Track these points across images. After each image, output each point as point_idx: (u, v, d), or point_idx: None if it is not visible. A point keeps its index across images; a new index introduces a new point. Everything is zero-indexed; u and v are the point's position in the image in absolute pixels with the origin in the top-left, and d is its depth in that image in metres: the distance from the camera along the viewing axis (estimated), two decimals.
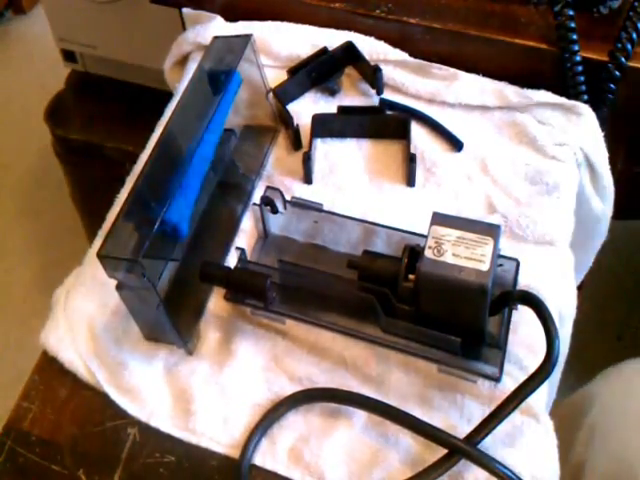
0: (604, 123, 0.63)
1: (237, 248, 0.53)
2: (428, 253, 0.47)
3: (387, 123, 0.63)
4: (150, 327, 0.52)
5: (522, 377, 0.48)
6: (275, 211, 0.55)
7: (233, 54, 0.55)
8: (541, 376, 0.47)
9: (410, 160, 0.59)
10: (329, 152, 0.63)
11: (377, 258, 0.51)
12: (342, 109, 0.63)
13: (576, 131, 0.61)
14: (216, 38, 0.58)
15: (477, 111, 0.64)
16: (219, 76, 0.55)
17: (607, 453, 0.60)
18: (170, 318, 0.49)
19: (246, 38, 0.56)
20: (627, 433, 0.60)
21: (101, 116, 1.02)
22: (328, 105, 0.65)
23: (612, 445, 0.60)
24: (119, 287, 0.48)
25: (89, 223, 1.18)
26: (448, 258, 0.46)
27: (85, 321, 0.54)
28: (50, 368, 0.53)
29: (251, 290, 0.51)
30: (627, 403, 0.62)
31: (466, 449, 0.46)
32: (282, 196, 0.54)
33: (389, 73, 0.65)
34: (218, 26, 0.68)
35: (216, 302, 0.54)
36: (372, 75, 0.64)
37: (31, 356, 0.54)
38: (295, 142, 0.62)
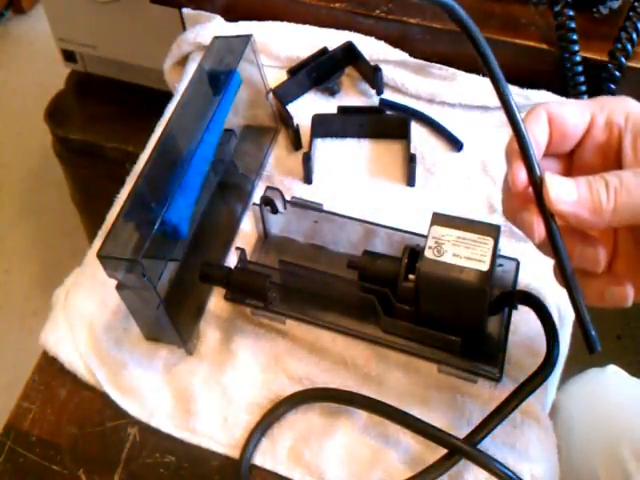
0: None
1: (237, 248, 0.53)
2: (428, 253, 0.47)
3: (387, 123, 0.63)
4: (150, 327, 0.52)
5: (522, 377, 0.48)
6: (275, 211, 0.55)
7: (233, 54, 0.55)
8: (541, 376, 0.47)
9: (410, 160, 0.59)
10: (329, 152, 0.63)
11: (377, 258, 0.51)
12: (342, 109, 0.63)
13: None
14: (216, 38, 0.58)
15: (477, 111, 0.64)
16: (219, 76, 0.55)
17: (572, 468, 0.62)
18: (170, 318, 0.49)
19: (246, 38, 0.56)
20: (589, 449, 0.62)
21: (101, 116, 1.02)
22: (328, 105, 0.65)
23: (575, 460, 0.63)
24: (119, 287, 0.48)
25: (89, 223, 1.18)
26: (448, 258, 0.46)
27: (85, 321, 0.54)
28: (50, 368, 0.53)
29: (251, 290, 0.51)
30: (588, 417, 0.64)
31: (466, 449, 0.46)
32: (282, 196, 0.54)
33: (389, 73, 0.65)
34: (218, 26, 0.68)
35: (216, 302, 0.54)
36: (372, 75, 0.64)
37: (31, 356, 0.54)
38: (295, 142, 0.62)
